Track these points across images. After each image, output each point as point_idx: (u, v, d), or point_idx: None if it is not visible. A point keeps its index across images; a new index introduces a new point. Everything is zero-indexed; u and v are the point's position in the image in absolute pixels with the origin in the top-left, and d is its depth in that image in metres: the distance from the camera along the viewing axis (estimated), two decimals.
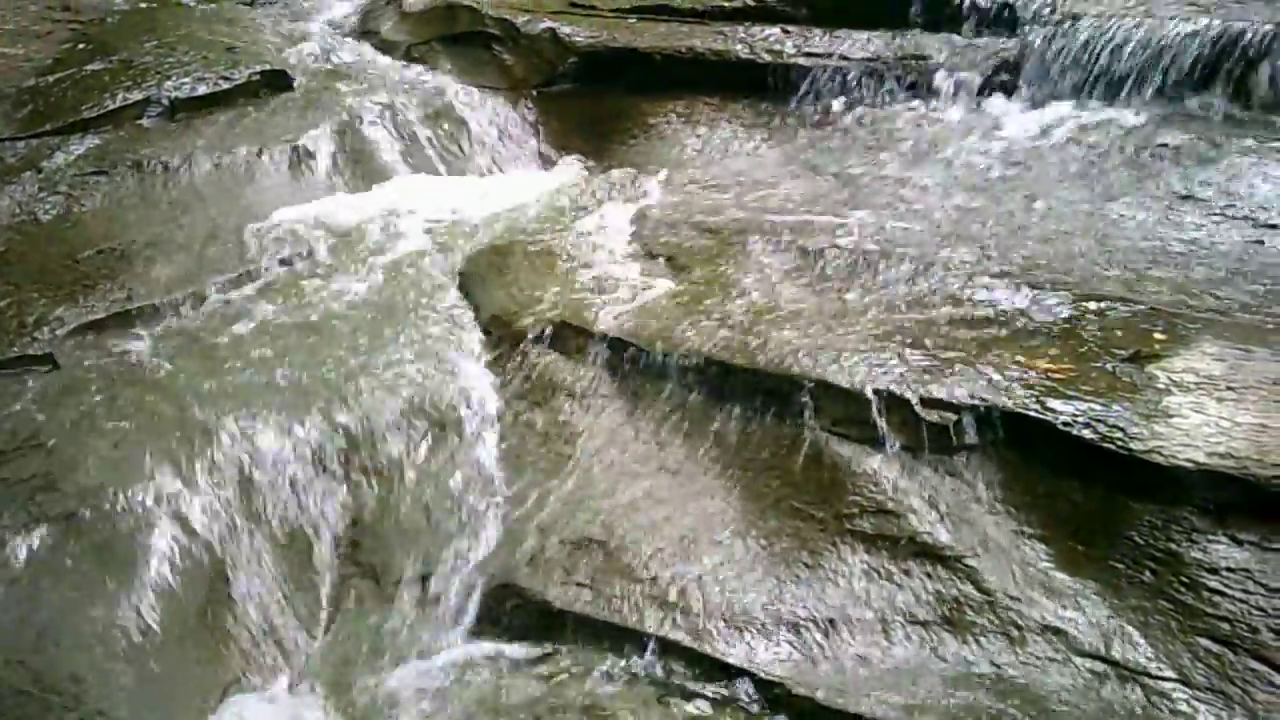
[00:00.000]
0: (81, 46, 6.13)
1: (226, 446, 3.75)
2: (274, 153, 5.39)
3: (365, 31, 7.00)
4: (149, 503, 3.54)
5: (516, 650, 3.44)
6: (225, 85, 5.85)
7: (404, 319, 4.41)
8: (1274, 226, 4.43)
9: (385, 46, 6.76)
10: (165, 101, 5.64)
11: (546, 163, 5.77)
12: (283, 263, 4.73)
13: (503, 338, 4.29)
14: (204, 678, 3.35)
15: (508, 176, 5.66)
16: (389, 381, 4.05)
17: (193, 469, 3.66)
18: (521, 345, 4.23)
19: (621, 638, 3.39)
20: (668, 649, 3.35)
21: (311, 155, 5.43)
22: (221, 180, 5.23)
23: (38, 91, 5.63)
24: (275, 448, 3.79)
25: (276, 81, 6.01)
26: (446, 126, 5.83)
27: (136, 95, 5.63)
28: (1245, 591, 3.19)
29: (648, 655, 3.35)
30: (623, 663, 3.36)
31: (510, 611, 3.51)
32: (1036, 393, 3.59)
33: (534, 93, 6.16)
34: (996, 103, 5.47)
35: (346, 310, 4.42)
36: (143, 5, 6.91)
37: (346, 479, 3.81)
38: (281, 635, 3.54)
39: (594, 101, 6.05)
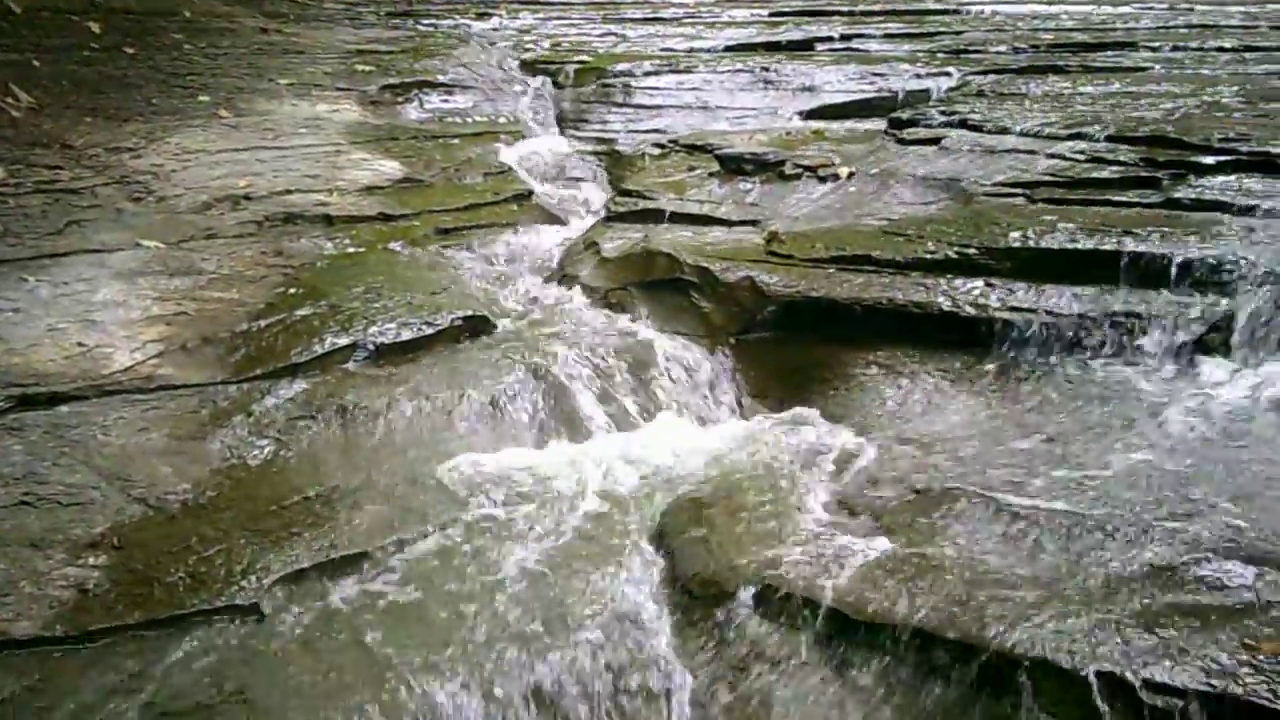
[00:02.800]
0: (292, 291, 6.31)
1: (418, 708, 3.69)
2: (472, 399, 5.43)
3: (564, 276, 7.12)
4: None
5: None
6: (428, 330, 5.95)
7: (598, 574, 4.34)
8: None
9: (584, 291, 6.87)
10: (371, 346, 5.75)
11: (745, 412, 5.73)
12: (478, 512, 4.71)
13: (701, 599, 4.20)
14: None
15: (705, 426, 5.62)
16: (579, 642, 3.97)
17: None
18: (720, 608, 4.13)
19: None
20: None
21: (509, 402, 5.47)
22: (421, 426, 5.28)
23: (250, 336, 5.78)
24: (464, 711, 3.72)
25: (477, 326, 6.11)
26: (644, 374, 5.84)
27: (344, 340, 5.75)
28: None
29: None
30: None
31: None
32: (1267, 679, 3.38)
33: (731, 340, 6.16)
34: (1209, 364, 5.32)
35: (540, 565, 4.37)
36: (350, 250, 7.12)
37: None
38: None
39: (792, 351, 6.02)
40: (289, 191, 7.92)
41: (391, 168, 8.77)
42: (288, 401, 5.30)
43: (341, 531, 4.50)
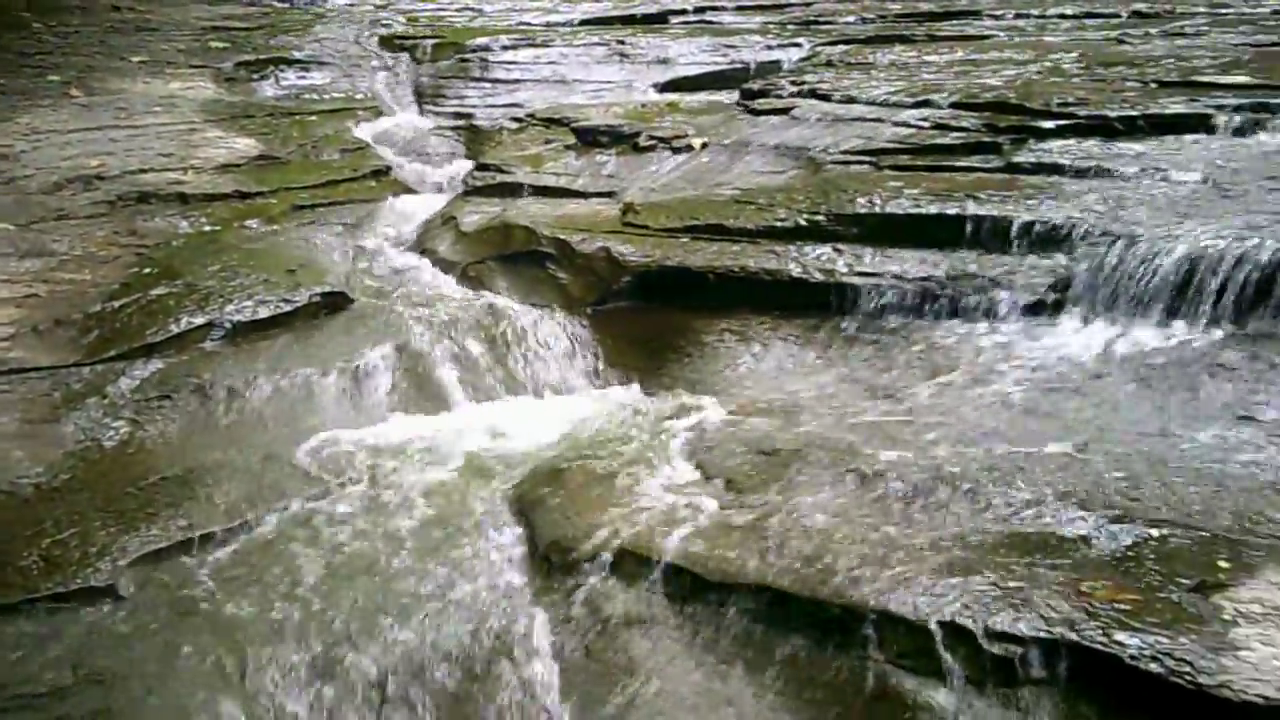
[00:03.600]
0: (147, 271, 6.27)
1: (278, 685, 3.74)
2: (332, 375, 5.47)
3: (423, 250, 7.14)
4: None
5: None
6: (286, 307, 5.96)
7: (459, 545, 4.40)
8: None
9: (443, 265, 6.89)
10: (228, 325, 5.74)
11: (602, 382, 5.80)
12: (339, 487, 4.75)
13: (559, 565, 4.27)
14: None
15: (564, 397, 5.69)
16: (443, 610, 4.04)
17: (246, 708, 3.63)
18: (578, 572, 4.20)
19: None
20: None
21: (369, 377, 5.51)
22: (281, 403, 5.30)
23: (103, 317, 5.75)
24: (326, 684, 3.76)
25: (336, 302, 6.12)
26: (502, 346, 5.89)
27: (200, 319, 5.74)
28: None
29: None
30: None
31: None
32: (1102, 624, 3.53)
33: (589, 311, 6.24)
34: (1050, 322, 5.49)
35: (401, 537, 4.42)
36: (206, 229, 7.09)
37: (400, 713, 3.76)
38: None
39: (648, 320, 6.12)
40: (142, 171, 7.85)
41: (247, 145, 8.71)
42: (143, 382, 5.28)
43: (199, 511, 4.51)
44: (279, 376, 5.41)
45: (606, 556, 4.22)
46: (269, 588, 4.14)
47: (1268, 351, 4.99)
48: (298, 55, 11.24)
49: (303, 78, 10.84)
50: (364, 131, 9.48)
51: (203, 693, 3.65)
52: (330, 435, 5.12)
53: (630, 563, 4.18)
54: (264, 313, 5.87)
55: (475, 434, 5.19)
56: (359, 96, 10.44)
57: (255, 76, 10.73)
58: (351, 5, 15.03)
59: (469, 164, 8.74)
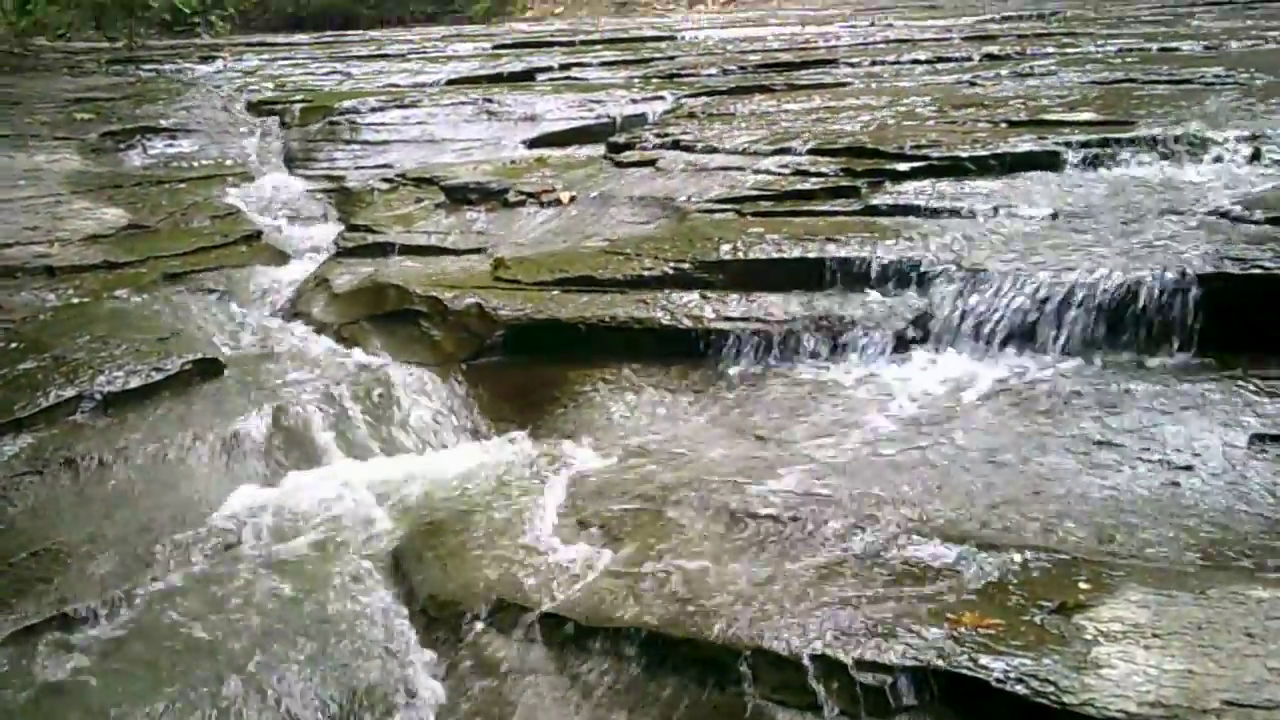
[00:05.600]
0: (14, 345, 6.21)
1: None
2: (206, 442, 5.44)
3: (296, 314, 7.15)
4: None
5: None
6: (157, 376, 5.91)
7: (338, 604, 4.41)
8: (1188, 468, 4.58)
9: (316, 327, 6.91)
10: (98, 396, 5.70)
11: (478, 436, 5.84)
12: (216, 553, 4.74)
13: (438, 619, 4.29)
14: None
15: (440, 453, 5.72)
16: (323, 671, 4.05)
17: None
18: (458, 626, 4.23)
19: None
20: None
21: (244, 442, 5.49)
22: (155, 472, 5.27)
23: None
24: None
25: (209, 369, 6.09)
26: (378, 405, 5.90)
27: (70, 391, 5.68)
28: None
29: None
30: None
31: None
32: (969, 650, 3.63)
33: (464, 367, 6.28)
34: (909, 359, 5.65)
35: (280, 598, 4.43)
36: (75, 300, 7.04)
37: None
38: None
39: (523, 373, 6.18)
40: (7, 245, 7.76)
41: (115, 215, 8.65)
42: (11, 458, 5.22)
43: (72, 585, 4.48)
44: (152, 446, 5.38)
45: (485, 609, 4.25)
46: (145, 661, 4.12)
47: (1119, 380, 5.18)
48: (165, 123, 11.19)
49: (171, 145, 10.79)
50: (234, 197, 9.45)
51: None
52: (206, 502, 5.09)
53: (509, 613, 4.21)
54: (135, 382, 5.83)
55: (353, 492, 5.20)
56: (228, 162, 10.41)
57: (122, 146, 10.66)
58: (218, 72, 14.99)
59: (340, 226, 8.75)
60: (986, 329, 5.55)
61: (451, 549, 4.64)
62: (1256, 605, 3.72)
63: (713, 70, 12.48)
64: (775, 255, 6.26)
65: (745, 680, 3.78)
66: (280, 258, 8.32)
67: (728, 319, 5.98)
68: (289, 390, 5.87)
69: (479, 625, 4.23)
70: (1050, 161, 7.09)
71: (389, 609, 4.41)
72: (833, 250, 6.15)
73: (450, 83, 13.01)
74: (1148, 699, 3.40)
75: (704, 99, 10.71)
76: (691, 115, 9.92)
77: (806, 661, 3.72)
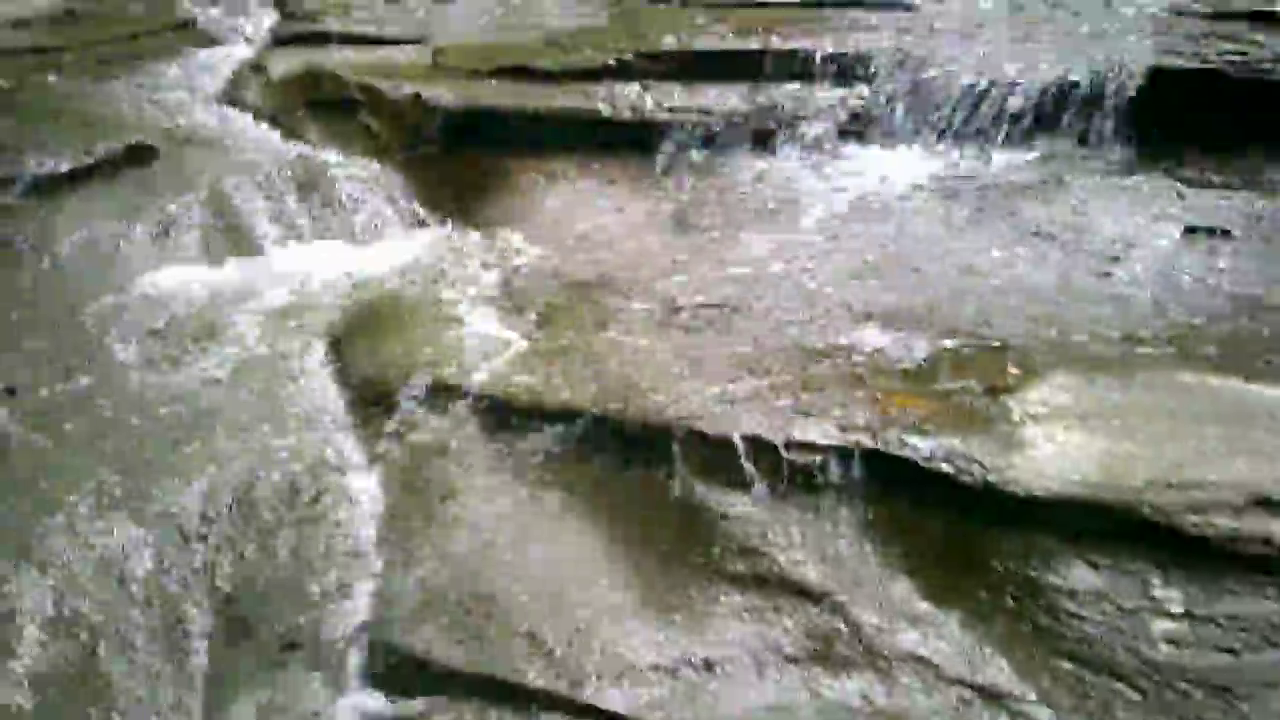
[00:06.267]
0: None
1: (96, 526, 3.73)
2: (139, 225, 5.36)
3: (232, 101, 7.00)
4: (14, 589, 3.51)
5: (401, 707, 3.46)
6: (89, 160, 5.80)
7: (276, 387, 4.42)
8: (1117, 259, 4.62)
9: (252, 115, 6.77)
10: (28, 179, 5.59)
11: (414, 225, 5.79)
12: (150, 336, 4.71)
13: (374, 401, 4.31)
14: None
15: (377, 240, 5.68)
16: (261, 450, 4.06)
17: (60, 552, 3.63)
18: (394, 408, 4.25)
19: (504, 692, 3.43)
20: (550, 701, 3.39)
21: (178, 226, 5.42)
22: (89, 255, 5.20)
23: None
24: (146, 524, 3.77)
25: (141, 154, 5.98)
26: (315, 193, 5.83)
27: None
28: (1102, 613, 3.33)
29: (531, 708, 3.39)
30: (507, 716, 3.40)
31: (392, 670, 3.53)
32: (897, 430, 3.70)
33: (400, 157, 6.19)
34: (851, 150, 5.63)
35: (216, 381, 4.43)
36: (3, 84, 6.87)
37: (221, 550, 3.79)
38: (163, 710, 3.52)
39: (460, 163, 6.10)
40: None
41: (49, 2, 8.41)
42: None
43: (8, 361, 4.45)
44: (85, 230, 5.30)
45: (420, 391, 4.26)
46: (83, 433, 4.12)
47: (1056, 173, 5.19)
48: None
49: None
50: None
51: (7, 540, 3.63)
52: (141, 284, 5.05)
53: (443, 396, 4.23)
54: (65, 166, 5.71)
55: (288, 279, 5.17)
56: None
57: None
58: None
59: (278, 14, 8.54)
60: (927, 121, 5.54)
61: (386, 333, 4.64)
62: (1180, 389, 3.79)
63: None
64: (718, 47, 6.19)
65: (675, 460, 3.84)
66: (215, 45, 8.11)
67: (669, 110, 5.93)
68: (223, 176, 5.76)
69: (412, 405, 4.24)
70: None
71: (323, 389, 4.42)
72: (776, 43, 6.09)
73: None
74: (1071, 478, 3.48)
75: None
76: None
77: (737, 441, 3.78)
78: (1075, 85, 5.36)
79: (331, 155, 6.18)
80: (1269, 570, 3.29)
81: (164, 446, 4.06)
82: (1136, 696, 3.18)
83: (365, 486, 4.03)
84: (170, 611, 3.64)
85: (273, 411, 4.26)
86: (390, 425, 4.20)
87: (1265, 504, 3.35)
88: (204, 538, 3.77)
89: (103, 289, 4.99)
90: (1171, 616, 3.28)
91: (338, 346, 4.64)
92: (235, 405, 4.28)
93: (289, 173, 5.90)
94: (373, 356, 4.49)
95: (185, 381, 4.42)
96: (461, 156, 6.15)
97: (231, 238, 5.48)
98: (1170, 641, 3.25)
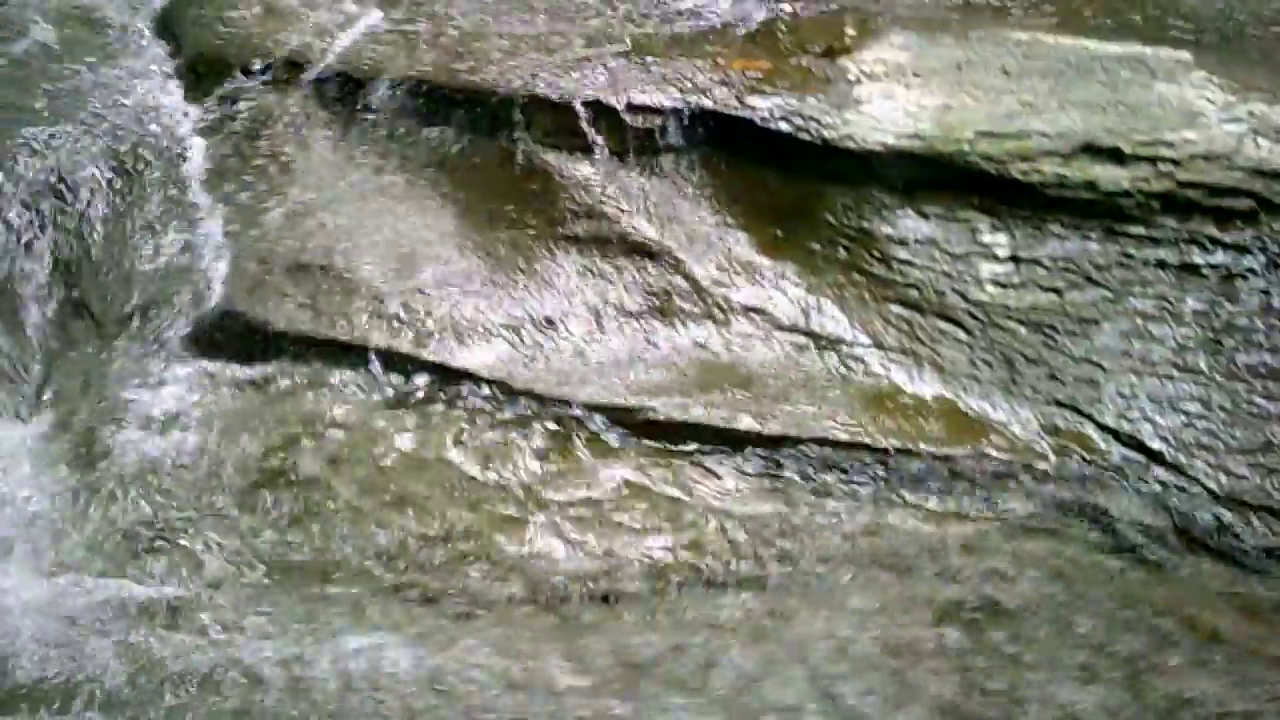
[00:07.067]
0: None
1: None
2: None
3: None
4: None
5: (242, 372, 3.47)
6: None
7: (98, 62, 4.28)
8: None
9: None
10: None
11: None
12: None
13: (206, 74, 4.18)
14: None
15: None
16: (87, 124, 3.95)
17: None
18: (226, 80, 4.12)
19: (347, 354, 3.46)
20: (392, 360, 3.43)
21: None
22: None
23: None
24: None
25: None
26: None
27: None
28: (932, 259, 3.42)
29: (374, 367, 3.42)
30: (350, 374, 3.43)
31: (233, 337, 3.53)
32: (736, 91, 3.71)
33: None
34: None
35: (34, 57, 4.27)
36: None
37: (50, 225, 3.72)
38: None
39: None
40: None
41: None
42: None
43: None
44: None
45: (256, 64, 4.15)
46: None
47: None
48: None
49: None
50: None
51: None
52: None
53: (280, 69, 4.12)
54: None
55: None
56: None
57: None
58: None
59: None
60: None
61: (220, 8, 4.47)
62: (1014, 46, 3.82)
63: None
64: None
65: (518, 126, 3.82)
66: None
67: None
68: None
69: (250, 82, 4.14)
70: None
71: (156, 67, 4.29)
72: None
73: None
74: (906, 131, 3.53)
75: None
76: None
77: (578, 106, 3.76)
78: None
79: None
80: (1092, 214, 3.39)
81: None
82: (964, 335, 3.30)
83: (198, 159, 3.96)
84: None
85: (96, 90, 4.12)
86: (224, 99, 4.09)
87: (1091, 150, 3.42)
88: (34, 208, 3.70)
89: None
90: (998, 260, 3.39)
91: (167, 21, 4.48)
92: (56, 83, 4.13)
93: None
94: (204, 30, 4.33)
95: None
96: None
97: None
98: (997, 284, 3.36)
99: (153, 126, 4.02)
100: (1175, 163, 3.38)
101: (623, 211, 3.65)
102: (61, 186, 3.78)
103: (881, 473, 3.13)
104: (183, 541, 3.10)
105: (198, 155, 3.98)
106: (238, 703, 2.66)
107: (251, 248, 3.68)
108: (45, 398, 3.48)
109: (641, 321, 3.48)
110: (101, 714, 2.62)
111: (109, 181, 3.85)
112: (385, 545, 3.11)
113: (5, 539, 3.09)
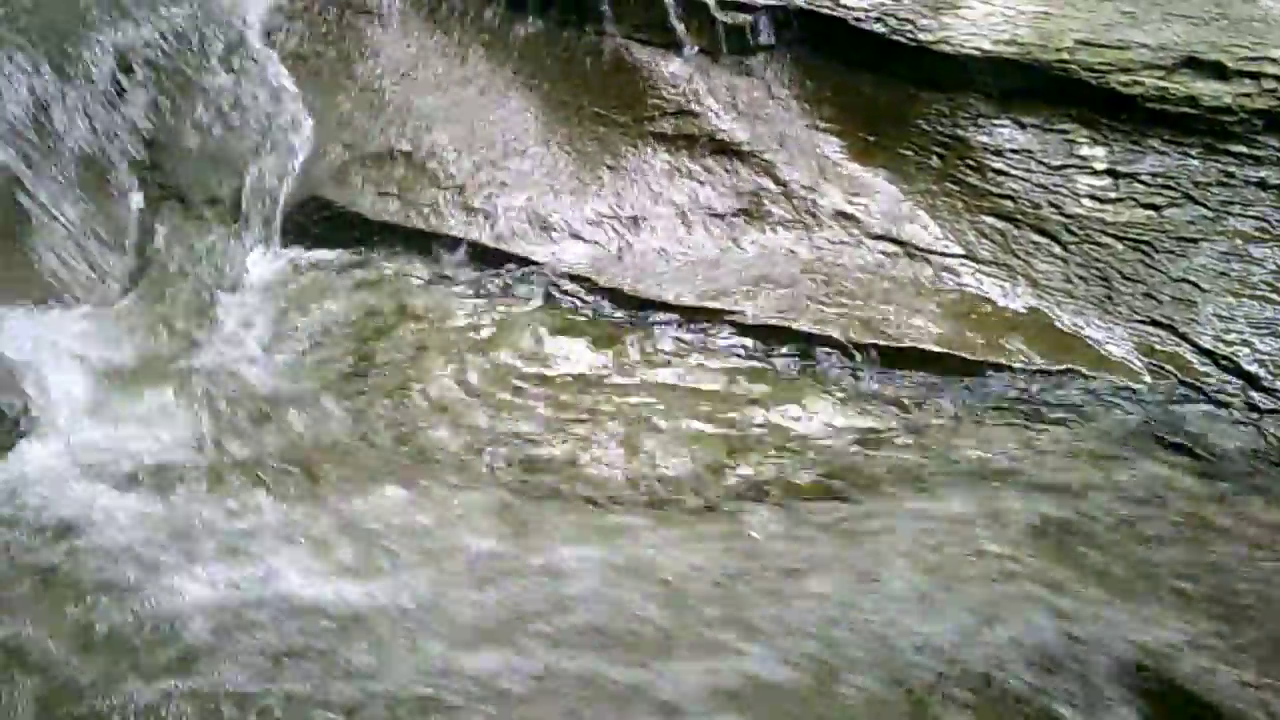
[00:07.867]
0: None
1: (10, 74, 3.63)
2: None
3: None
4: None
5: (331, 257, 3.46)
6: None
7: None
8: None
9: None
10: None
11: None
12: None
13: None
14: (9, 295, 3.30)
15: None
16: (168, 16, 3.91)
17: None
18: None
19: (431, 243, 3.45)
20: (476, 252, 3.41)
21: None
22: None
23: None
24: (59, 74, 3.67)
25: None
26: None
27: None
28: (1028, 170, 3.35)
29: (458, 256, 3.40)
30: (435, 266, 3.41)
31: (321, 223, 3.53)
32: None
33: None
34: None
35: None
36: None
37: (139, 103, 3.71)
38: (93, 258, 3.49)
39: None
40: None
41: None
42: None
43: None
44: None
45: None
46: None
47: None
48: None
49: None
50: None
51: None
52: None
53: None
54: None
55: None
56: None
57: None
58: None
59: None
60: None
61: None
62: None
63: None
64: None
65: (605, 19, 3.76)
66: None
67: None
68: None
69: None
70: None
71: None
72: None
73: None
74: (1003, 38, 3.46)
75: None
76: None
77: (668, 0, 3.70)
78: None
79: None
80: (1193, 130, 3.31)
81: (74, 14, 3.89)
82: (1059, 250, 3.24)
83: (283, 44, 3.93)
84: (95, 165, 3.60)
85: None
86: None
87: (1193, 64, 3.35)
88: (123, 86, 3.68)
89: None
90: (1096, 173, 3.32)
91: None
92: None
93: None
94: None
95: None
96: None
97: None
98: (1094, 198, 3.29)
99: (232, 14, 3.97)
100: None
101: (712, 111, 3.60)
102: (148, 61, 3.76)
103: (970, 386, 3.08)
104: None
105: (282, 40, 3.94)
106: None
107: (338, 135, 3.67)
108: (138, 275, 3.48)
109: (729, 224, 3.43)
110: None
111: (192, 60, 3.82)
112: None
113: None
